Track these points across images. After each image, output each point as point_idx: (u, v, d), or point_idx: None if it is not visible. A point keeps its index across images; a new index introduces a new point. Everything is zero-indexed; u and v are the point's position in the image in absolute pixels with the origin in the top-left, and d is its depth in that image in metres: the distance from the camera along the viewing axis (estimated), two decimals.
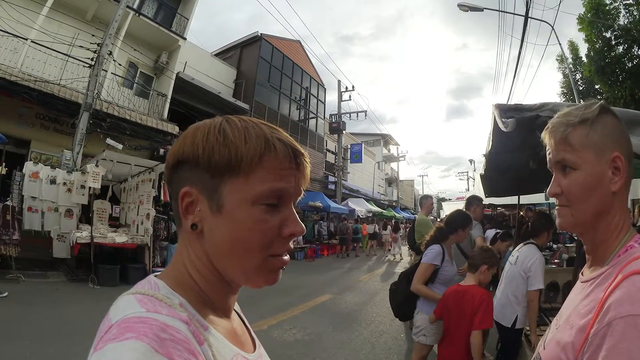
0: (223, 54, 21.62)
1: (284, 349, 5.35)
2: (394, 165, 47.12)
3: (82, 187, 9.39)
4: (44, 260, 8.90)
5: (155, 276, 0.66)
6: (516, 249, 3.96)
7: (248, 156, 0.61)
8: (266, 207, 0.62)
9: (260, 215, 0.62)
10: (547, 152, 0.96)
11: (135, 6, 13.79)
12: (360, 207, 24.50)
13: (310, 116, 25.12)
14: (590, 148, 0.88)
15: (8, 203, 7.88)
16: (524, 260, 3.59)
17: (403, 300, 3.76)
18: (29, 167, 8.95)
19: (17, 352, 4.44)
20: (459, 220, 3.79)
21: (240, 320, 0.79)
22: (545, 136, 0.96)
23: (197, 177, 0.63)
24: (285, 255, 0.66)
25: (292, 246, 0.68)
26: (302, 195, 0.70)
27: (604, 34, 10.05)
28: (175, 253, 0.69)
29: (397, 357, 5.22)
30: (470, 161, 31.52)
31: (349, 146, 29.12)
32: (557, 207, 0.95)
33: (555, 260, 7.02)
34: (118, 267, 8.73)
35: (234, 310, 0.77)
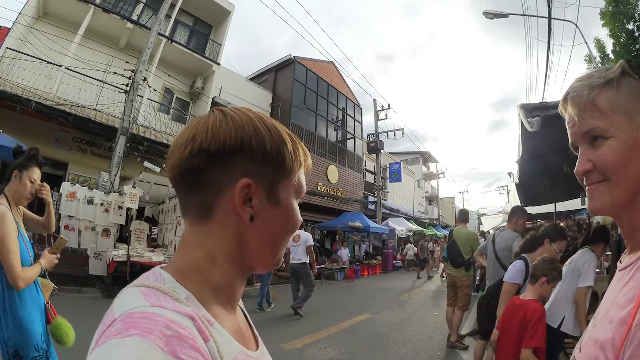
0: (258, 78, 22.19)
1: None
2: (434, 182, 46.44)
3: (120, 207, 9.70)
4: (79, 277, 9.14)
5: (161, 268, 0.64)
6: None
7: (300, 163, 0.72)
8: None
9: (297, 208, 0.72)
10: (570, 126, 0.83)
11: (167, 33, 14.43)
12: (401, 227, 24.11)
13: (347, 137, 25.10)
14: (620, 112, 0.77)
15: None
16: (578, 259, 3.66)
17: (486, 316, 3.65)
18: (66, 187, 9.34)
19: None
20: (548, 231, 3.63)
21: (244, 317, 0.78)
22: (567, 105, 0.83)
23: (260, 171, 0.65)
24: None
25: None
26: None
27: (627, 26, 9.59)
28: (180, 246, 0.67)
29: None
30: (509, 174, 30.59)
31: (388, 165, 28.92)
32: (587, 188, 0.81)
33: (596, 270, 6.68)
34: None
35: (239, 306, 0.76)
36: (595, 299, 4.54)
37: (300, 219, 0.73)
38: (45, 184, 2.48)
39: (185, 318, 0.52)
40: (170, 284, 0.58)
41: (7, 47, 10.74)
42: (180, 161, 0.63)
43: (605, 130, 0.76)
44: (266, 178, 0.65)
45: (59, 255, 2.55)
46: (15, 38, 11.03)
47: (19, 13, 11.29)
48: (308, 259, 8.64)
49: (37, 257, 6.87)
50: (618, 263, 0.84)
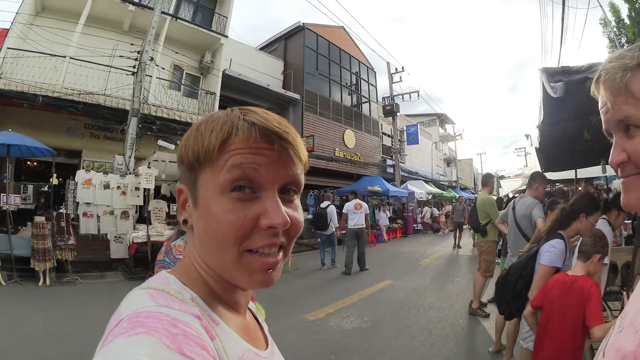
0: (268, 47, 21.88)
1: (340, 337, 5.33)
2: (451, 144, 45.75)
3: (137, 189, 9.80)
4: (101, 262, 9.34)
5: (167, 271, 0.66)
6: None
7: (211, 144, 0.59)
8: (238, 195, 0.58)
9: (230, 205, 0.58)
10: (603, 111, 0.73)
11: (171, 11, 14.25)
12: (420, 189, 24.01)
13: (362, 101, 24.74)
14: None
15: (62, 211, 8.32)
16: None
17: (512, 298, 3.39)
18: (81, 175, 9.44)
19: (69, 348, 4.46)
20: (582, 204, 3.31)
21: (253, 317, 0.78)
22: (599, 88, 0.73)
23: (184, 174, 0.65)
24: (272, 255, 0.61)
25: (281, 240, 0.61)
26: (296, 181, 0.64)
27: None
28: (185, 251, 0.70)
29: (455, 344, 5.05)
30: (527, 136, 29.92)
31: (405, 128, 28.56)
32: (622, 181, 0.72)
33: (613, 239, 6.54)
34: None
35: (248, 308, 0.76)
36: (614, 270, 4.42)
37: (231, 219, 0.58)
38: None
39: (191, 317, 0.53)
40: (176, 286, 0.60)
41: (7, 47, 10.71)
42: None
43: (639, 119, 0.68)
44: (190, 177, 0.63)
45: None
46: (15, 37, 10.96)
47: (17, 12, 11.17)
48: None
49: (58, 248, 7.11)
50: None
